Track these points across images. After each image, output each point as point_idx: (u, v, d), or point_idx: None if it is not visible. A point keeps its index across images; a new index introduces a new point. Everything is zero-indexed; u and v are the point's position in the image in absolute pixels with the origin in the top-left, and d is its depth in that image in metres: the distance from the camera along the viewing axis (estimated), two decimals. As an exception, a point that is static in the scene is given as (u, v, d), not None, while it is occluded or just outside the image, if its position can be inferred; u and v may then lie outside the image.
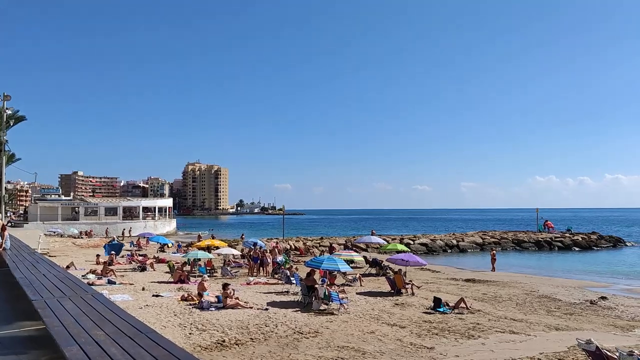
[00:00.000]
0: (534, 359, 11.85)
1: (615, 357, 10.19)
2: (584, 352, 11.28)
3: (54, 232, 59.71)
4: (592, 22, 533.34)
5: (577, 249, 53.45)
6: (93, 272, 25.33)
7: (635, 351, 10.39)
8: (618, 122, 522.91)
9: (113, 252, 33.21)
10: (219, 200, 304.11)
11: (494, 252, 36.23)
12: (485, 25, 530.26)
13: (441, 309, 17.65)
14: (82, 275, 23.66)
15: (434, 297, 18.88)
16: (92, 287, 17.72)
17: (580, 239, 56.81)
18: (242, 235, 47.26)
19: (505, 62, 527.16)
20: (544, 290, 24.12)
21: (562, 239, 56.39)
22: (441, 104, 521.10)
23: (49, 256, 29.78)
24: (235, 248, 36.88)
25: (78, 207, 71.74)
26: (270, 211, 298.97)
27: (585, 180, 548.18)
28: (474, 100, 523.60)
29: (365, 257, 32.83)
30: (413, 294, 21.23)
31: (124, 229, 64.24)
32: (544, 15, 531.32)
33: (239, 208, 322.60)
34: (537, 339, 14.00)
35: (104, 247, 37.38)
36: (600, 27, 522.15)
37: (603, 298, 21.98)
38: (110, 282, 22.71)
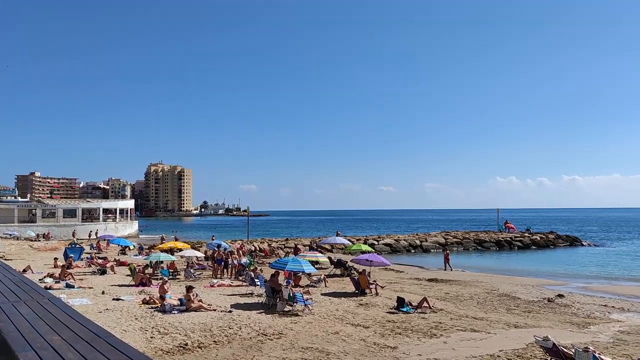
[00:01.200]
0: (494, 356, 12.10)
1: (571, 353, 10.50)
2: (541, 349, 11.60)
3: (10, 235, 58.08)
4: (551, 22, 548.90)
5: (535, 247, 55.12)
6: (51, 275, 24.66)
7: (591, 347, 10.73)
8: (575, 125, 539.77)
9: (72, 255, 32.39)
10: (182, 202, 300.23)
11: (448, 252, 37.79)
12: (453, 25, 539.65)
13: (404, 309, 17.86)
14: (40, 279, 23.11)
15: (398, 297, 19.09)
16: (50, 291, 17.32)
17: (539, 239, 58.60)
18: (213, 237, 47.07)
19: (467, 64, 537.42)
20: (504, 289, 24.70)
21: (521, 238, 57.96)
22: (405, 106, 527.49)
23: (5, 260, 28.90)
24: (198, 250, 36.52)
25: (35, 209, 69.79)
26: (234, 212, 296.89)
27: (544, 181, 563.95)
28: (437, 102, 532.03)
29: (330, 258, 32.98)
30: (377, 294, 21.40)
31: (91, 231, 62.78)
32: (504, 17, 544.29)
33: (202, 209, 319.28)
34: (497, 336, 14.31)
35: (65, 250, 36.48)
36: (556, 25, 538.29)
37: (560, 296, 22.65)
38: (68, 286, 22.14)
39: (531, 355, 12.08)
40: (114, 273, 28.04)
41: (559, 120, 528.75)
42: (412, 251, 51.49)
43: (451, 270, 34.31)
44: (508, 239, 57.22)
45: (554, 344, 10.81)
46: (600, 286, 28.08)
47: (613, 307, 20.54)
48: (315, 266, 27.79)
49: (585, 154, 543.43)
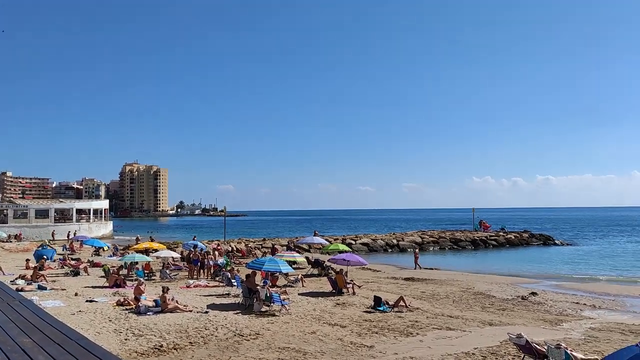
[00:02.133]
0: (469, 354, 12.24)
1: (544, 350, 10.69)
2: (515, 346, 11.79)
3: (-20, 236, 56.69)
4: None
5: (509, 246, 55.99)
6: (22, 277, 24.17)
7: (563, 344, 10.93)
8: (548, 126, 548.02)
9: (44, 256, 31.76)
10: (158, 202, 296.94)
11: (417, 251, 39.02)
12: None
13: (381, 308, 17.95)
14: (11, 281, 22.64)
15: (375, 296, 19.19)
16: (21, 293, 16.99)
17: (513, 237, 59.55)
18: (194, 237, 46.82)
19: (449, 66, 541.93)
20: (479, 287, 25.02)
21: (496, 237, 58.80)
22: (383, 106, 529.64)
23: (-26, 261, 28.20)
24: (174, 250, 36.16)
25: (6, 210, 68.42)
26: (211, 212, 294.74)
27: (518, 181, 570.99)
28: (414, 103, 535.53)
29: (307, 258, 32.95)
30: (354, 293, 21.48)
31: (69, 232, 61.67)
32: (481, 22, 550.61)
33: (179, 209, 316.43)
34: (472, 334, 14.49)
35: (35, 251, 35.76)
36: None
37: (533, 294, 23.03)
38: (40, 288, 21.71)
39: (505, 353, 12.26)
40: (88, 274, 27.61)
41: (532, 122, 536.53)
42: (389, 250, 51.81)
43: (420, 268, 34.93)
44: (483, 237, 57.97)
45: (527, 341, 10.99)
46: (572, 284, 28.63)
47: (585, 304, 20.98)
48: (293, 266, 27.73)
49: (559, 155, 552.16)
